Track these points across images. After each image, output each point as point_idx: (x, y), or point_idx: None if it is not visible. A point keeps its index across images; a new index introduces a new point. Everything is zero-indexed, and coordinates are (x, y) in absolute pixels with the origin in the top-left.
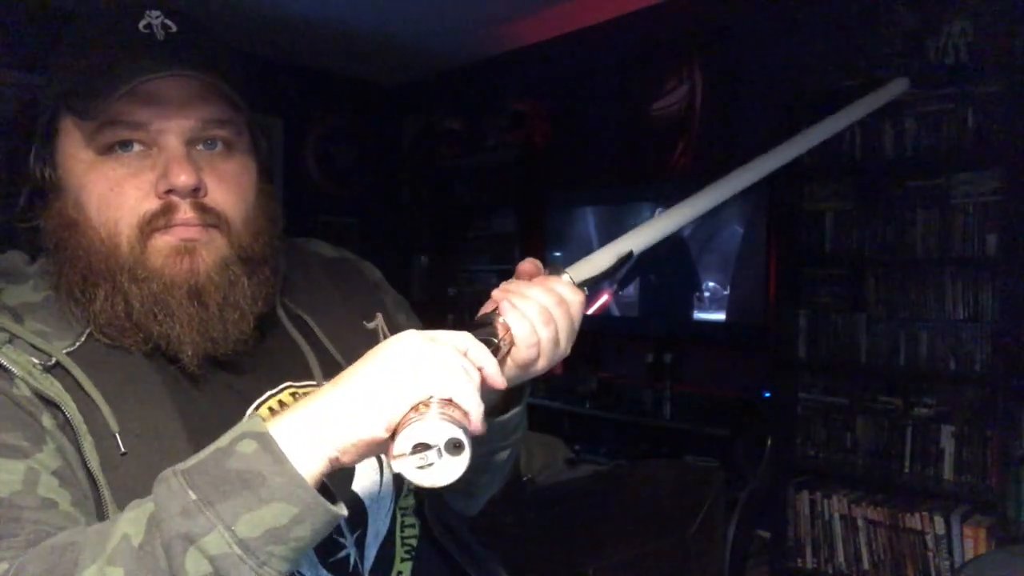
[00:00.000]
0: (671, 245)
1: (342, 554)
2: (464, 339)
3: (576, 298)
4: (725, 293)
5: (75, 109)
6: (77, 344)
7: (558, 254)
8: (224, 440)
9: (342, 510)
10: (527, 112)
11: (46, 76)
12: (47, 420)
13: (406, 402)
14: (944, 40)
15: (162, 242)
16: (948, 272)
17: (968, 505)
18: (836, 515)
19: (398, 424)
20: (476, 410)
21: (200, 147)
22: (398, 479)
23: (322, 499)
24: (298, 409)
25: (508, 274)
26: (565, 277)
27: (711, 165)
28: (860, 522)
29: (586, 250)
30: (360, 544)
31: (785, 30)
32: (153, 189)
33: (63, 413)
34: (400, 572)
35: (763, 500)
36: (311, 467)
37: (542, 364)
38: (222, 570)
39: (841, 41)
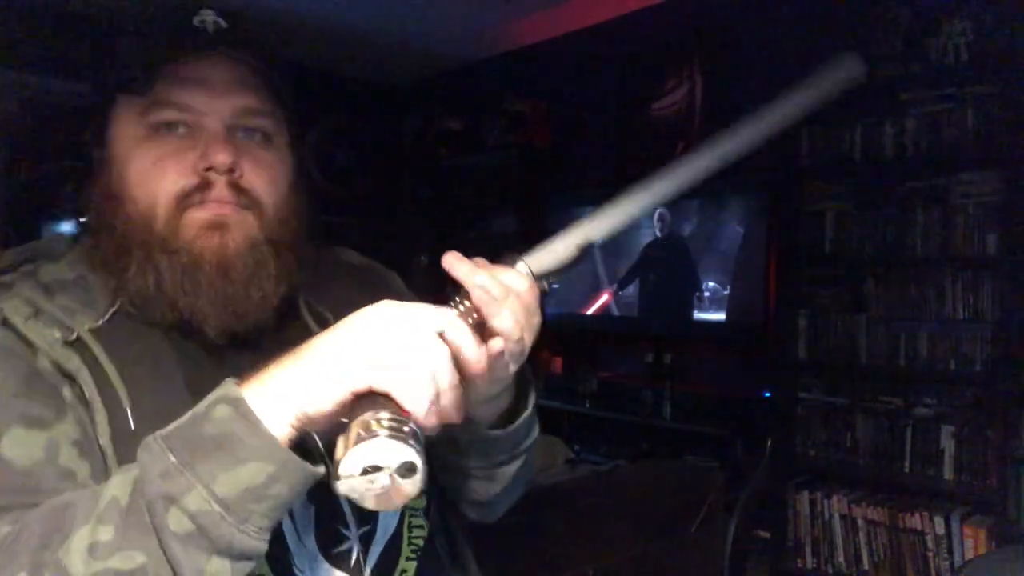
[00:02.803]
0: (671, 245)
1: (345, 546)
2: (445, 318)
3: (536, 303)
4: (725, 293)
5: (128, 89)
6: (100, 322)
7: None
8: (201, 406)
9: (320, 469)
10: (527, 112)
11: (104, 66)
12: (67, 392)
13: (363, 377)
14: (944, 40)
15: (196, 217)
16: (948, 272)
17: (968, 505)
18: (836, 515)
19: (347, 440)
20: (421, 409)
21: (241, 135)
22: None
23: (296, 457)
24: (271, 372)
25: None
26: (522, 267)
27: None
28: (860, 522)
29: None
30: (366, 541)
31: (785, 30)
32: (193, 167)
33: (80, 386)
34: (404, 571)
35: (763, 500)
36: (283, 428)
37: (512, 368)
38: (204, 527)
39: (841, 41)
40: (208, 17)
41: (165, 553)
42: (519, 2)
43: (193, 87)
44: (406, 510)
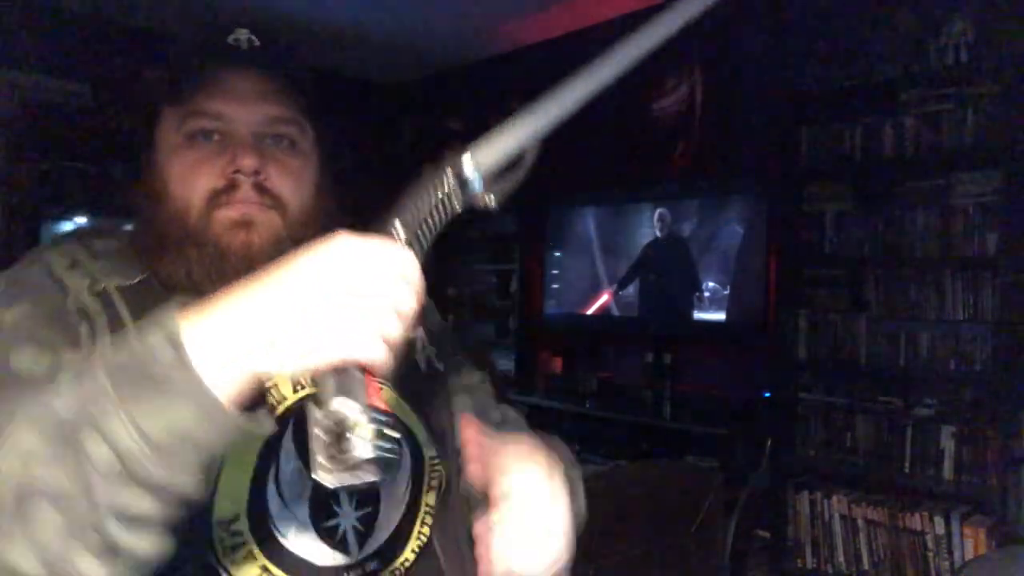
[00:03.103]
0: (671, 245)
1: (333, 522)
2: (406, 256)
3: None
4: (725, 293)
5: (168, 100)
6: (128, 284)
7: (558, 254)
8: (147, 335)
9: (258, 425)
10: None
11: (151, 81)
12: (84, 330)
13: (332, 354)
14: (944, 40)
15: (224, 215)
16: (948, 272)
17: (968, 505)
18: (836, 515)
19: (319, 436)
20: (383, 365)
21: (269, 141)
22: (418, 477)
23: (223, 406)
24: (219, 312)
25: (507, 274)
26: (469, 169)
27: (711, 165)
28: (860, 522)
29: (586, 251)
30: (368, 524)
31: (785, 30)
32: (223, 171)
33: (95, 329)
34: (406, 560)
35: (763, 500)
36: (222, 380)
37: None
38: (128, 462)
39: (841, 41)
40: (242, 35)
41: (86, 478)
42: (519, 2)
43: (226, 98)
44: (423, 506)
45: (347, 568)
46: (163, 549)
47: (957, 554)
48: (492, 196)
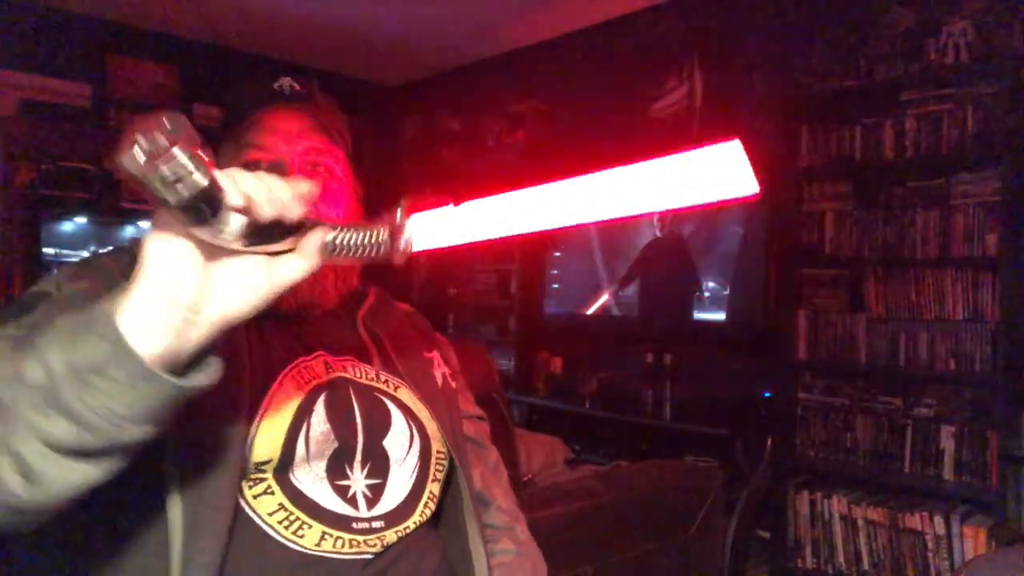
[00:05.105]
0: (671, 245)
1: (345, 483)
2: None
3: None
4: (725, 293)
5: (227, 137)
6: None
7: (558, 254)
8: (93, 323)
9: (180, 379)
10: (527, 112)
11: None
12: None
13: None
14: (944, 40)
15: None
16: (948, 272)
17: (968, 505)
18: (836, 515)
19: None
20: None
21: (310, 168)
22: (425, 464)
23: (128, 343)
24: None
25: (507, 273)
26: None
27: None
28: (860, 522)
29: (586, 250)
30: (376, 492)
31: (785, 30)
32: None
33: None
34: (407, 527)
35: (763, 500)
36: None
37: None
38: (54, 381)
39: (841, 41)
40: (285, 82)
41: (15, 390)
42: (519, 2)
43: (272, 135)
44: (430, 485)
45: (355, 519)
46: (80, 482)
47: (957, 554)
48: (403, 255)
